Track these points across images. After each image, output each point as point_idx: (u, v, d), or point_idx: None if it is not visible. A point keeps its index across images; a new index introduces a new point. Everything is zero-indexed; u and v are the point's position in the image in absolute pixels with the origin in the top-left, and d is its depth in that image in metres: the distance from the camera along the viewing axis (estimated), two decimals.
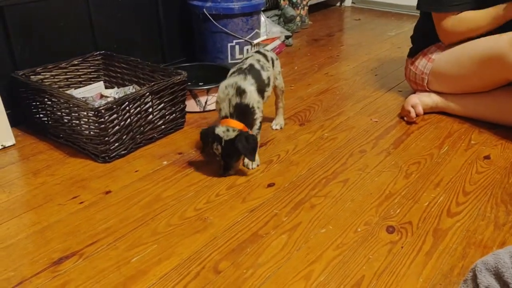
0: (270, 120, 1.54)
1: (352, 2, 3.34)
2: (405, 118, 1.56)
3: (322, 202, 1.14)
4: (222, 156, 1.22)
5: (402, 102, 1.66)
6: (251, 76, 1.27)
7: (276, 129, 1.50)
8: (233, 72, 1.30)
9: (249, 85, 1.24)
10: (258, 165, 1.30)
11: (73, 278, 0.91)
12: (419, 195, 1.17)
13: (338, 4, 3.35)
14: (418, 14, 1.68)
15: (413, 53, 1.66)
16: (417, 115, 1.54)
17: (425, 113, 1.58)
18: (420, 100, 1.55)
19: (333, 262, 0.95)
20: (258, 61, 1.34)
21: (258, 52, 1.41)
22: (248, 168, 1.28)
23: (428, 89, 1.60)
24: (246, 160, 1.28)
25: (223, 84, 1.26)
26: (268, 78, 1.33)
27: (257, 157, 1.28)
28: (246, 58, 1.36)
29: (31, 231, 1.05)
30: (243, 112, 1.23)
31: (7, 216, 1.10)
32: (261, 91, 1.28)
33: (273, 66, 1.40)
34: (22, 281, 0.91)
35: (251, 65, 1.30)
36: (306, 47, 2.42)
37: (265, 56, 1.39)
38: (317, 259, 0.96)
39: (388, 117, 1.60)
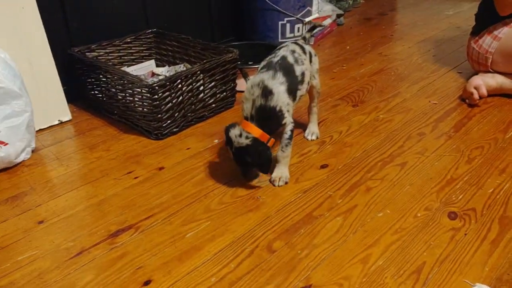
0: (302, 126, 1.38)
1: None
2: (466, 101, 1.48)
3: (378, 186, 1.10)
4: (235, 161, 1.11)
5: (463, 83, 1.58)
6: (282, 73, 1.09)
7: (313, 140, 1.31)
8: (263, 67, 1.13)
9: (278, 85, 1.07)
10: (286, 182, 1.12)
11: (130, 251, 0.93)
12: (483, 181, 1.10)
13: None
14: None
15: (477, 31, 1.56)
16: (480, 97, 1.45)
17: (488, 96, 1.49)
18: (484, 82, 1.46)
19: (392, 246, 0.91)
20: (293, 52, 1.15)
21: (295, 42, 1.21)
22: (274, 185, 1.12)
23: (491, 70, 1.50)
24: (272, 175, 1.13)
25: (249, 83, 1.09)
26: (303, 73, 1.15)
27: (286, 172, 1.13)
28: (280, 48, 1.18)
29: (88, 204, 1.07)
30: (267, 116, 1.07)
31: (66, 188, 1.13)
32: (292, 90, 1.11)
33: (310, 61, 1.21)
34: (82, 251, 0.93)
35: (283, 58, 1.13)
36: (358, 26, 2.34)
37: (302, 48, 1.20)
38: (374, 243, 0.92)
39: (448, 99, 1.52)
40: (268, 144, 1.08)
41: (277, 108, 1.07)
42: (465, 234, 0.94)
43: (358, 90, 1.62)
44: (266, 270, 0.87)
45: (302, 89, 1.16)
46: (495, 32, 1.46)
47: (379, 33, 2.21)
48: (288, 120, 1.11)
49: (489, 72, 1.51)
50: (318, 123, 1.38)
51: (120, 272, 0.88)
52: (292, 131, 1.12)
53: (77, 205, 1.07)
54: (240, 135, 1.05)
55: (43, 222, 1.02)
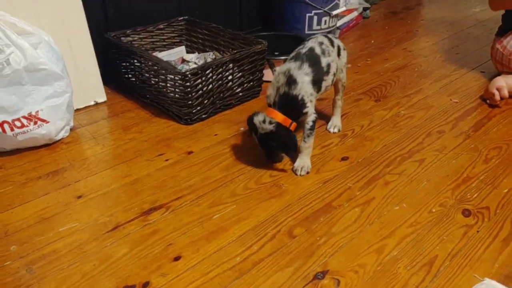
0: (325, 118, 1.42)
1: None
2: (488, 101, 1.51)
3: (396, 180, 1.16)
4: (260, 146, 1.17)
5: (485, 83, 1.60)
6: (308, 64, 1.15)
7: (335, 132, 1.36)
8: (291, 58, 1.19)
9: (303, 75, 1.13)
10: (307, 172, 1.18)
11: (161, 228, 1.00)
12: (498, 181, 1.14)
13: None
14: None
15: (502, 32, 1.58)
16: (501, 98, 1.48)
17: (510, 97, 1.51)
18: (507, 83, 1.48)
19: (407, 239, 0.97)
20: (321, 43, 1.20)
21: (324, 35, 1.27)
22: (296, 175, 1.17)
23: None
24: (295, 164, 1.19)
25: (277, 71, 1.16)
26: (328, 65, 1.19)
27: (308, 162, 1.19)
28: (309, 40, 1.23)
29: (123, 182, 1.15)
30: (289, 104, 1.13)
31: (102, 167, 1.21)
32: (317, 81, 1.16)
33: (339, 55, 1.26)
34: (117, 226, 1.01)
35: (311, 49, 1.18)
36: (384, 20, 2.36)
37: (331, 41, 1.24)
38: (390, 235, 0.98)
39: (469, 98, 1.55)
40: (291, 128, 1.14)
41: (299, 97, 1.13)
42: (478, 231, 0.99)
43: (381, 85, 1.66)
44: (287, 254, 0.94)
45: (328, 80, 1.21)
46: None
47: (405, 28, 2.22)
48: (310, 110, 1.16)
49: None
50: (341, 116, 1.43)
51: (152, 247, 0.95)
52: (314, 122, 1.17)
53: (112, 183, 1.15)
54: (264, 121, 1.12)
55: (82, 197, 1.10)
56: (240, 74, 1.49)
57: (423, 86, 1.64)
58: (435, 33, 2.16)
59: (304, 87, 1.13)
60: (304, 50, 1.18)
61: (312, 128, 1.18)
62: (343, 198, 1.10)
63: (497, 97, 1.46)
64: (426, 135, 1.34)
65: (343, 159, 1.25)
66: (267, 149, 1.18)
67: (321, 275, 0.89)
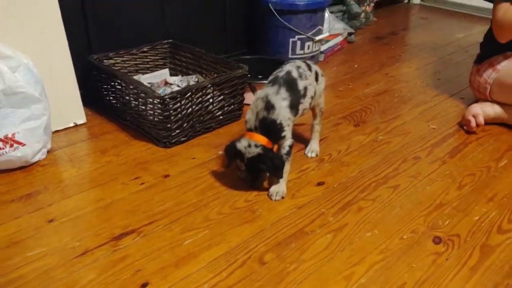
0: (304, 142, 1.43)
1: (421, 0, 3.24)
2: (464, 127, 1.53)
3: (370, 206, 1.16)
4: (247, 172, 1.19)
5: (463, 110, 1.62)
6: (285, 88, 1.17)
7: (312, 157, 1.37)
8: (269, 82, 1.21)
9: (280, 100, 1.16)
10: (283, 197, 1.18)
11: (131, 254, 1.00)
12: (470, 208, 1.15)
13: (406, 0, 3.26)
14: (490, 16, 1.61)
15: (480, 60, 1.61)
16: (477, 125, 1.50)
17: (486, 124, 1.53)
18: (482, 110, 1.50)
19: (376, 266, 0.97)
20: (298, 67, 1.23)
21: (302, 61, 1.29)
22: (271, 199, 1.18)
23: (490, 99, 1.55)
24: (270, 189, 1.19)
25: (255, 96, 1.19)
26: (305, 88, 1.22)
27: (283, 187, 1.20)
28: (286, 63, 1.26)
29: (96, 206, 1.15)
30: (268, 127, 1.15)
31: (77, 190, 1.21)
32: (294, 105, 1.18)
33: (316, 80, 1.28)
34: (86, 252, 1.00)
35: (288, 73, 1.21)
36: (368, 45, 2.40)
37: (308, 66, 1.27)
38: (359, 262, 0.98)
39: (447, 124, 1.57)
40: (274, 150, 1.18)
41: (278, 121, 1.15)
42: (447, 259, 0.99)
43: (361, 110, 1.68)
44: (256, 281, 0.94)
45: (305, 103, 1.23)
46: (495, 64, 1.51)
47: (388, 53, 2.26)
48: (288, 134, 1.18)
49: (489, 101, 1.56)
50: (320, 141, 1.44)
51: (120, 274, 0.95)
52: (290, 146, 1.19)
53: (86, 206, 1.15)
54: (249, 145, 1.14)
55: (53, 220, 1.09)
56: (221, 97, 1.50)
57: (402, 111, 1.66)
58: (418, 59, 2.20)
59: (282, 112, 1.16)
60: (281, 74, 1.21)
61: (288, 153, 1.19)
62: (316, 224, 1.10)
63: (473, 124, 1.48)
64: (402, 161, 1.36)
65: (319, 184, 1.25)
66: (255, 173, 1.19)
67: None
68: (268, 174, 1.23)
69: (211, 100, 1.47)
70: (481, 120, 1.49)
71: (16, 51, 1.26)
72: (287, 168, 1.20)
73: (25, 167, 1.29)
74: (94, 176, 1.27)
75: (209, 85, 1.43)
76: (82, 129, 1.51)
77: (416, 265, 0.98)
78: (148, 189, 1.22)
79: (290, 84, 1.19)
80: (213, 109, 1.49)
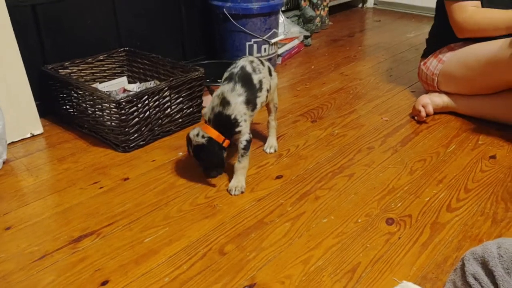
0: (263, 140, 1.46)
1: (374, 4, 3.37)
2: (415, 118, 1.59)
3: (326, 194, 1.20)
4: (195, 159, 1.23)
5: (414, 102, 1.69)
6: (241, 84, 1.20)
7: (271, 153, 1.40)
8: (225, 79, 1.25)
9: (236, 97, 1.19)
10: (242, 192, 1.20)
11: (90, 255, 1.00)
12: (421, 191, 1.21)
13: (360, 5, 3.38)
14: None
15: (426, 54, 1.69)
16: (427, 115, 1.57)
17: (435, 113, 1.61)
18: (431, 100, 1.58)
19: (332, 249, 1.00)
20: (251, 62, 1.26)
21: (255, 57, 1.32)
22: (230, 195, 1.20)
23: (438, 90, 1.63)
24: (229, 185, 1.22)
25: (214, 94, 1.23)
26: (260, 81, 1.25)
27: (242, 182, 1.22)
28: (240, 59, 1.28)
29: (54, 212, 1.14)
30: (223, 122, 1.18)
31: (34, 198, 1.19)
32: (250, 100, 1.21)
33: (270, 75, 1.31)
34: (45, 255, 0.99)
35: (242, 68, 1.23)
36: (325, 47, 2.47)
37: (261, 61, 1.30)
38: (316, 246, 1.01)
39: (399, 116, 1.63)
40: (223, 145, 1.19)
41: (232, 117, 1.18)
42: (399, 238, 1.04)
43: (318, 107, 1.72)
44: (216, 270, 0.95)
45: (262, 96, 1.26)
46: (440, 56, 1.59)
47: (343, 54, 2.33)
48: (244, 129, 1.20)
49: (437, 91, 1.64)
50: (278, 137, 1.47)
51: (79, 274, 0.94)
52: (248, 141, 1.21)
53: (43, 213, 1.14)
54: (197, 135, 1.18)
55: (10, 228, 1.08)
56: (179, 100, 1.52)
57: (357, 107, 1.72)
58: (372, 58, 2.28)
59: (237, 107, 1.19)
60: (236, 70, 1.24)
61: (246, 148, 1.22)
62: (275, 214, 1.13)
63: (423, 113, 1.55)
64: (357, 151, 1.40)
65: (278, 177, 1.28)
66: (200, 161, 1.23)
67: None
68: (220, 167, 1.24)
69: (168, 103, 1.48)
70: (430, 109, 1.56)
71: None
72: (246, 163, 1.23)
73: None
74: (52, 183, 1.26)
75: (166, 88, 1.44)
76: (39, 139, 1.50)
77: (370, 245, 1.01)
78: (107, 192, 1.22)
79: (245, 79, 1.22)
80: (171, 112, 1.51)
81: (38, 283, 0.92)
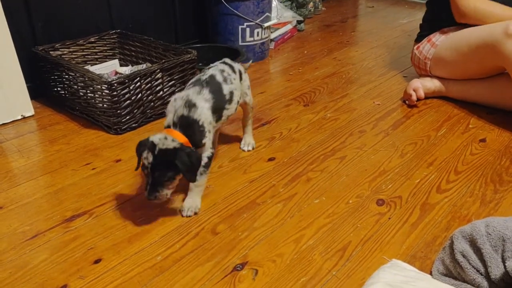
0: (238, 140, 1.37)
1: None
2: (406, 102, 1.60)
3: (318, 176, 1.21)
4: (151, 169, 0.95)
5: (405, 86, 1.70)
6: (208, 90, 1.06)
7: (249, 150, 1.31)
8: (190, 84, 1.10)
9: (202, 101, 1.04)
10: (195, 213, 1.05)
11: (82, 234, 1.00)
12: (412, 173, 1.22)
13: None
14: None
15: (419, 38, 1.69)
16: (418, 99, 1.58)
17: (427, 98, 1.62)
18: (422, 84, 1.59)
19: (323, 229, 1.02)
20: (222, 71, 1.13)
21: (223, 62, 1.19)
22: (182, 216, 1.05)
23: (430, 74, 1.63)
24: (183, 204, 1.06)
25: (173, 96, 1.06)
26: (231, 93, 1.12)
27: (198, 201, 1.06)
28: (209, 68, 1.16)
29: (46, 192, 1.14)
30: (189, 126, 1.01)
31: (25, 178, 1.19)
32: (217, 109, 1.07)
33: (240, 79, 1.19)
34: (37, 234, 1.00)
35: (212, 76, 1.10)
36: (318, 32, 2.46)
37: (231, 67, 1.17)
38: (308, 226, 1.02)
39: (391, 100, 1.64)
40: None
41: (200, 122, 1.02)
42: (389, 218, 1.05)
43: (310, 91, 1.73)
44: (209, 249, 0.96)
45: (230, 109, 1.13)
46: (433, 40, 1.60)
47: (336, 39, 2.33)
48: (208, 143, 1.05)
49: (429, 76, 1.65)
50: (270, 121, 1.48)
51: (72, 252, 0.95)
52: (209, 158, 1.06)
53: (35, 193, 1.13)
54: (166, 138, 0.96)
55: (2, 208, 1.08)
56: (171, 83, 1.51)
57: (349, 91, 1.73)
58: (365, 43, 2.28)
59: (204, 113, 1.03)
60: (204, 77, 1.10)
61: (206, 166, 1.05)
62: (267, 195, 1.13)
63: (414, 97, 1.56)
64: (348, 135, 1.41)
65: (270, 159, 1.29)
66: (161, 171, 0.95)
67: (240, 266, 0.91)
68: (173, 185, 1.00)
69: (161, 86, 1.48)
70: (421, 93, 1.57)
71: None
72: (203, 181, 1.07)
73: None
74: (43, 164, 1.25)
75: (158, 70, 1.44)
76: (30, 121, 1.49)
77: (361, 225, 1.03)
78: (100, 174, 1.21)
79: (214, 86, 1.08)
80: (163, 94, 1.50)
81: (31, 261, 0.92)
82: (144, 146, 0.96)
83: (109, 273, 0.90)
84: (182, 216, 1.06)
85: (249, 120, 1.32)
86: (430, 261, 0.92)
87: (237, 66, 1.21)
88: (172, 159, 0.94)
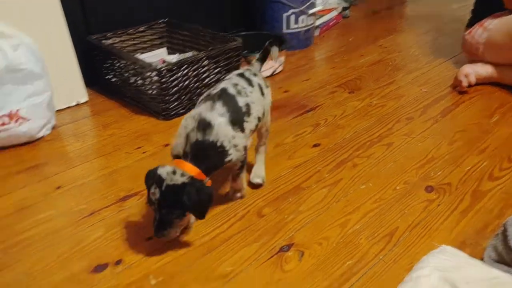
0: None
1: None
2: (457, 88, 1.56)
3: (364, 162, 1.20)
4: (158, 206, 0.87)
5: (455, 73, 1.65)
6: (221, 103, 0.93)
7: (258, 183, 1.12)
8: (201, 100, 0.99)
9: (217, 117, 0.91)
10: (241, 197, 1.05)
11: (134, 213, 1.04)
12: (461, 160, 1.19)
13: None
14: None
15: (471, 23, 1.64)
16: (469, 85, 1.53)
17: (478, 84, 1.56)
18: (474, 70, 1.53)
19: (370, 214, 1.01)
20: (235, 85, 0.99)
21: (239, 75, 1.05)
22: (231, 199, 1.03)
23: (482, 60, 1.57)
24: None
25: (186, 115, 0.96)
26: (247, 105, 0.97)
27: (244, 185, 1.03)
28: (221, 81, 1.04)
29: (101, 174, 1.19)
30: (205, 153, 0.90)
31: (81, 161, 1.25)
32: (236, 122, 0.94)
33: (262, 94, 1.04)
34: (93, 212, 1.05)
35: (223, 90, 0.97)
36: (364, 19, 2.42)
37: (248, 80, 1.03)
38: (354, 211, 1.02)
39: (440, 87, 1.60)
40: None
41: (218, 144, 0.91)
42: (438, 205, 1.03)
43: (355, 78, 1.71)
44: (255, 231, 0.98)
45: (251, 122, 0.98)
46: (486, 24, 1.54)
47: (383, 26, 2.28)
48: (234, 155, 0.94)
49: (481, 61, 1.59)
50: (315, 108, 1.48)
51: (126, 230, 0.99)
52: (242, 163, 1.00)
53: (90, 174, 1.19)
54: (174, 172, 0.86)
55: (60, 187, 1.14)
56: (217, 70, 1.54)
57: (396, 78, 1.69)
58: (412, 30, 2.22)
59: (222, 130, 0.91)
60: (215, 91, 0.98)
61: (241, 168, 1.01)
62: (312, 180, 1.14)
63: (465, 83, 1.51)
64: (395, 121, 1.39)
65: (315, 145, 1.29)
66: (168, 208, 0.87)
67: (287, 247, 0.93)
68: (182, 222, 0.91)
69: (207, 73, 1.51)
70: (473, 79, 1.52)
71: (16, 31, 1.30)
72: (243, 175, 1.04)
73: (30, 143, 1.33)
74: (98, 147, 1.31)
75: (204, 57, 1.46)
76: (84, 107, 1.56)
77: (408, 211, 1.02)
78: (150, 157, 1.26)
79: (226, 99, 0.95)
80: (209, 81, 1.53)
81: (87, 237, 0.98)
82: (152, 179, 0.88)
83: (161, 250, 0.93)
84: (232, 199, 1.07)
85: (262, 146, 1.16)
86: (481, 248, 0.90)
87: (256, 79, 1.05)
88: (180, 196, 0.85)
